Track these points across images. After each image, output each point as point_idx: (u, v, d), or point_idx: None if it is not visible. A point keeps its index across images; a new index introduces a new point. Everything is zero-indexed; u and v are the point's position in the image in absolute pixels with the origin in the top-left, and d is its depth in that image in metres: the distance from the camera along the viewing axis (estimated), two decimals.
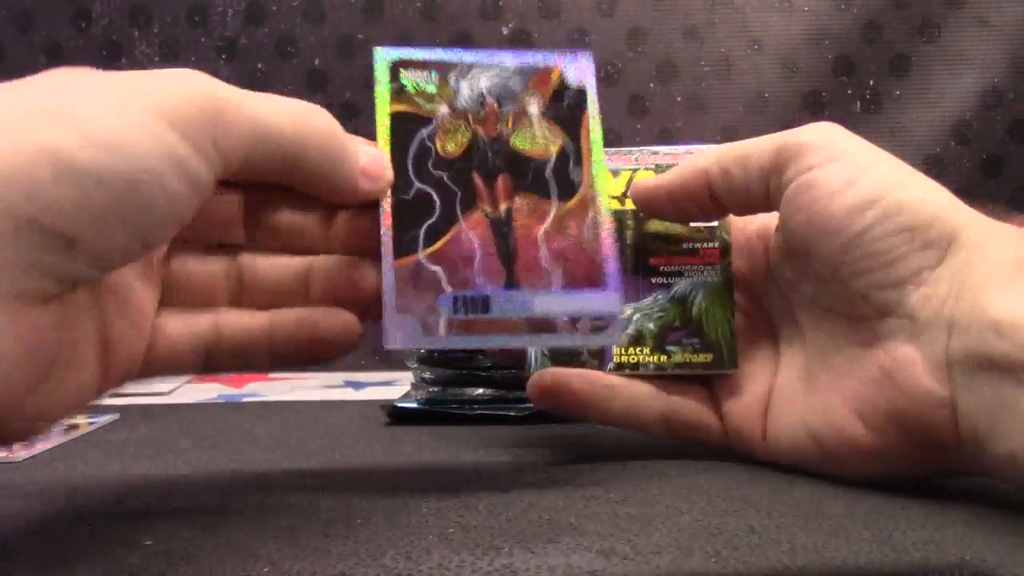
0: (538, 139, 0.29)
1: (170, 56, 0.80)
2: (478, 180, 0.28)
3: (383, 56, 0.29)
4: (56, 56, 0.82)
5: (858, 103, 0.81)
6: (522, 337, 0.27)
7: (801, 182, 0.29)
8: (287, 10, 0.81)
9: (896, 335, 0.27)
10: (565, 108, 0.30)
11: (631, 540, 0.23)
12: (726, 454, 0.33)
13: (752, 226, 0.34)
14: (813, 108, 0.81)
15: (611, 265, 0.28)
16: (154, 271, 0.26)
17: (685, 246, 0.34)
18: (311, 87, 0.80)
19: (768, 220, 0.33)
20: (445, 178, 0.28)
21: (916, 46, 0.80)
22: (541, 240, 0.28)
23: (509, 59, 0.30)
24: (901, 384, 0.27)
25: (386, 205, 0.27)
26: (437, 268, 0.27)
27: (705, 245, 0.34)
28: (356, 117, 0.77)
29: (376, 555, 0.22)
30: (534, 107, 0.29)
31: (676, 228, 0.34)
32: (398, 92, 0.29)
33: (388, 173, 0.27)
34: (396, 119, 0.28)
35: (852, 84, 0.81)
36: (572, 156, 0.29)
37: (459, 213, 0.28)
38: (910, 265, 0.27)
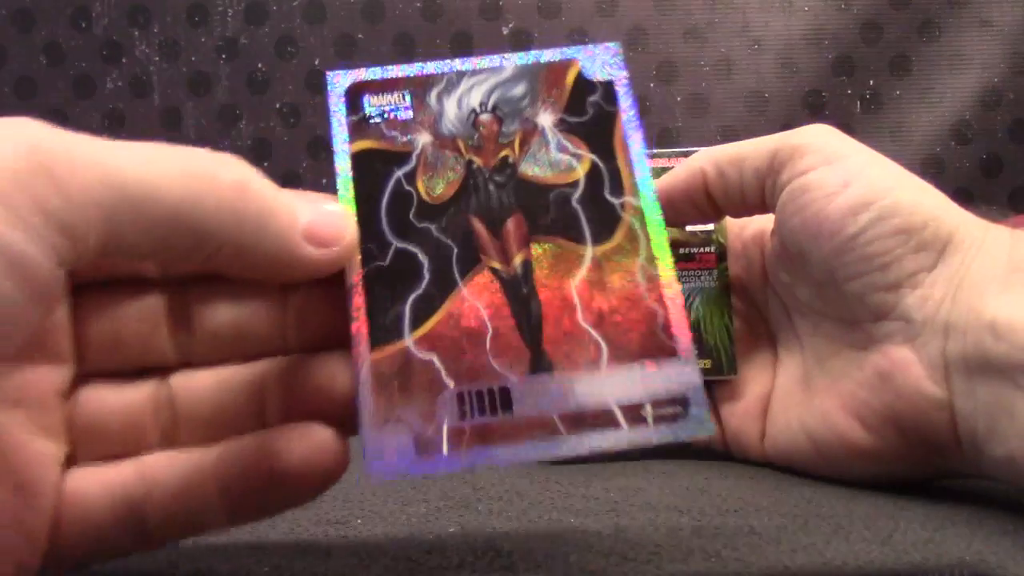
0: (557, 161, 0.22)
1: (170, 56, 0.80)
2: (480, 227, 0.21)
3: (338, 82, 0.23)
4: (56, 56, 0.82)
5: (858, 103, 0.81)
6: (563, 442, 0.19)
7: (796, 185, 0.29)
8: (287, 10, 0.81)
9: (892, 337, 0.27)
10: (590, 113, 0.22)
11: (631, 540, 0.23)
12: (726, 455, 0.33)
13: (748, 230, 0.34)
14: (813, 108, 0.81)
15: (680, 321, 0.20)
16: (54, 417, 0.19)
17: (681, 251, 0.34)
18: (311, 87, 0.80)
19: (764, 224, 0.33)
20: (434, 230, 0.21)
21: (916, 46, 0.80)
22: (576, 298, 0.20)
23: (507, 61, 0.23)
24: (898, 386, 0.27)
25: (354, 277, 0.20)
26: (432, 356, 0.20)
27: (702, 250, 0.34)
28: None
29: (376, 555, 0.22)
30: (547, 118, 0.22)
31: (672, 233, 0.34)
32: (361, 125, 0.22)
33: (348, 233, 0.20)
34: (360, 159, 0.22)
35: (852, 84, 0.81)
36: (607, 176, 0.22)
37: (457, 276, 0.21)
38: (905, 267, 0.27)
